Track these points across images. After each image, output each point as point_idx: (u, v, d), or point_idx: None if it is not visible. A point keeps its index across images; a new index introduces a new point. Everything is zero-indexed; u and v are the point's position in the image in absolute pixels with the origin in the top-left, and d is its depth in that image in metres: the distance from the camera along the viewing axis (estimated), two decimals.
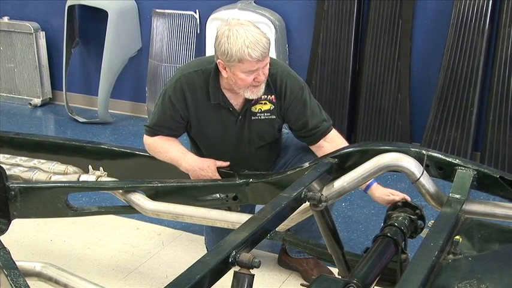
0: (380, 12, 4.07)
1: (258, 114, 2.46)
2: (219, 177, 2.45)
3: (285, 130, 2.68)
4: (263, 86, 2.35)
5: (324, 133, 2.48)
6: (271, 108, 2.46)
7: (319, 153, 2.42)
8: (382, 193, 2.27)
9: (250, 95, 2.34)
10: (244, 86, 2.31)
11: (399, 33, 4.05)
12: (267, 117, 2.47)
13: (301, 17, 4.41)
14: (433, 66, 4.04)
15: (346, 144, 2.45)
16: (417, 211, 1.99)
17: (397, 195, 2.18)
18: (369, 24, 4.13)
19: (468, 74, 3.84)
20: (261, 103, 2.44)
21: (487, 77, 3.90)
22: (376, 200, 2.30)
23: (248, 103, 2.43)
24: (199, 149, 2.61)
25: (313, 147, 2.51)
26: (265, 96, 2.44)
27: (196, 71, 2.44)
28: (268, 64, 2.31)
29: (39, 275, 1.82)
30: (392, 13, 4.04)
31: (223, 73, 2.32)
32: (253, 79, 2.27)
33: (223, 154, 2.51)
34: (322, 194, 1.86)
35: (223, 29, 2.26)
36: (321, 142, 2.47)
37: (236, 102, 2.44)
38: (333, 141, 2.46)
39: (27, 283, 1.57)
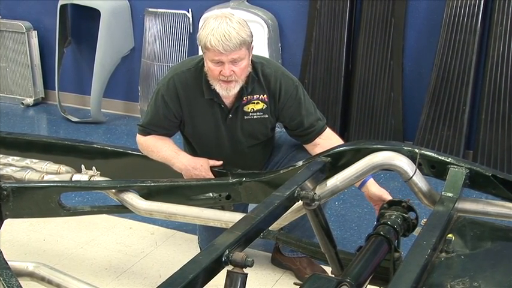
0: (372, 12, 4.08)
1: (250, 114, 2.46)
2: (212, 176, 2.45)
3: (278, 129, 2.69)
4: (236, 86, 2.35)
5: (319, 132, 2.48)
6: (264, 107, 2.46)
7: (315, 151, 2.42)
8: (378, 189, 2.27)
9: (220, 89, 2.35)
10: (214, 78, 2.33)
11: (392, 32, 4.06)
12: (259, 116, 2.47)
13: (294, 16, 4.41)
14: (426, 65, 4.05)
15: (341, 141, 2.46)
16: (403, 204, 1.99)
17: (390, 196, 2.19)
18: (361, 23, 4.14)
19: (460, 72, 3.86)
20: (254, 103, 2.45)
21: (479, 75, 3.91)
22: (370, 196, 2.29)
23: (239, 101, 2.43)
24: (192, 148, 2.61)
25: (308, 146, 2.51)
26: (258, 96, 2.44)
27: (189, 69, 2.44)
28: (241, 63, 2.29)
29: (31, 275, 1.81)
30: (384, 12, 4.05)
31: (205, 63, 2.36)
32: (220, 72, 2.29)
33: (216, 153, 2.51)
34: (315, 193, 1.85)
35: (208, 18, 2.31)
36: (317, 140, 2.48)
37: (227, 99, 2.44)
38: (328, 139, 2.47)
39: (19, 283, 1.57)
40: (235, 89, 2.35)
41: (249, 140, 2.53)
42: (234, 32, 2.23)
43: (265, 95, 2.45)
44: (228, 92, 2.36)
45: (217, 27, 2.23)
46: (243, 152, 2.55)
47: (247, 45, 2.29)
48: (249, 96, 2.44)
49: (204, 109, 2.45)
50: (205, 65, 2.36)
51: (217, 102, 2.44)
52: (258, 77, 2.43)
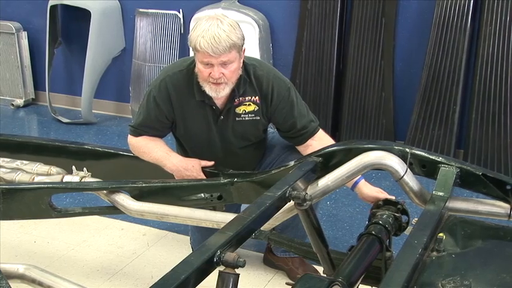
0: (363, 12, 4.09)
1: (242, 116, 2.46)
2: (204, 177, 2.45)
3: (271, 130, 2.69)
4: (226, 88, 2.35)
5: (312, 134, 2.49)
6: (256, 109, 2.46)
7: (307, 153, 2.41)
8: (370, 190, 2.28)
9: (209, 90, 2.35)
10: (204, 79, 2.33)
11: (382, 32, 4.07)
12: (251, 118, 2.47)
13: (285, 16, 4.42)
14: (416, 65, 4.07)
15: (333, 142, 2.46)
16: (399, 206, 2.00)
17: (385, 194, 2.20)
18: (352, 23, 4.15)
19: (451, 72, 3.88)
20: (245, 104, 2.45)
21: (469, 75, 3.93)
22: (363, 197, 2.30)
23: (230, 102, 2.43)
24: (184, 149, 2.61)
25: (300, 147, 2.51)
26: (250, 98, 2.44)
27: (180, 71, 2.44)
28: (231, 66, 2.29)
29: (22, 277, 1.79)
30: (375, 12, 4.06)
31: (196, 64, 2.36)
32: (209, 74, 2.29)
33: (208, 154, 2.51)
34: (306, 193, 1.86)
35: (200, 20, 2.31)
36: (309, 142, 2.48)
37: (218, 100, 2.44)
38: (321, 140, 2.47)
39: (10, 286, 1.56)
40: (224, 90, 2.35)
41: (241, 141, 2.53)
42: (224, 34, 2.23)
43: (257, 97, 2.44)
44: (217, 94, 2.36)
45: (208, 29, 2.23)
46: (235, 153, 2.55)
47: (238, 48, 2.28)
48: (240, 98, 2.44)
49: (196, 110, 2.45)
50: (196, 66, 2.36)
51: (208, 104, 2.43)
52: (250, 79, 2.43)
